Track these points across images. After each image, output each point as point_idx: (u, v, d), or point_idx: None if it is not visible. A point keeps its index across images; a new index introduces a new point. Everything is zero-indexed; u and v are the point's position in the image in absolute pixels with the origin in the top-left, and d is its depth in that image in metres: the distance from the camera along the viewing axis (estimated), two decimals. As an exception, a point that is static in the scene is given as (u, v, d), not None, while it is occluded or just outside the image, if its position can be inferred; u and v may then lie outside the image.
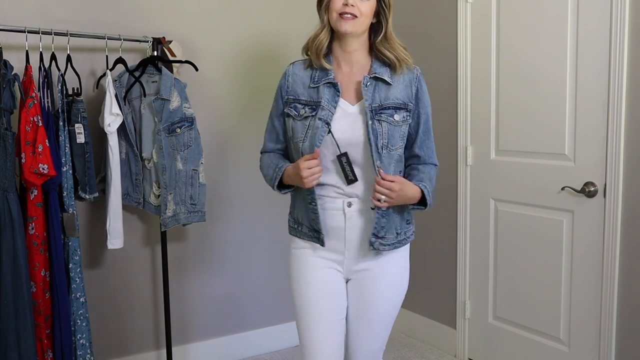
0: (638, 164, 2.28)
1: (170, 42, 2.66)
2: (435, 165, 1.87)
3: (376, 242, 1.76)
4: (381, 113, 1.72)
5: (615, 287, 2.38)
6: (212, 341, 3.08)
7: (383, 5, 1.74)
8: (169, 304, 2.78)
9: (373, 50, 1.78)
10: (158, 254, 2.83)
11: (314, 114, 1.73)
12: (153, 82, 2.58)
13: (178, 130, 2.56)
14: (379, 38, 1.75)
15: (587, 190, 2.44)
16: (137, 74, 2.54)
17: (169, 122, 2.53)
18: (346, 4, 1.67)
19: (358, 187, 1.75)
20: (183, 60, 2.65)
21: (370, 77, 1.74)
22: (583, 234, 2.49)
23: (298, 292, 1.84)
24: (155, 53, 2.60)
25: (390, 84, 1.74)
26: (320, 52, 1.74)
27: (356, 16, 1.68)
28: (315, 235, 1.78)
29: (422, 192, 1.74)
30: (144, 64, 2.56)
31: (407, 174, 1.84)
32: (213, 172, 2.92)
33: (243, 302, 3.13)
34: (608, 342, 2.41)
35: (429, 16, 3.15)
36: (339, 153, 1.71)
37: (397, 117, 1.74)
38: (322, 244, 1.77)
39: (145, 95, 2.55)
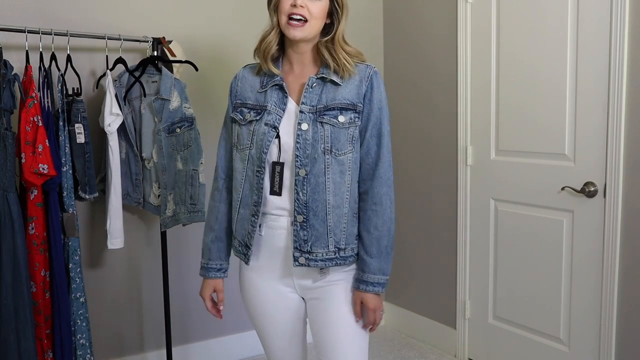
0: (638, 164, 2.28)
1: (170, 42, 2.66)
2: (385, 183, 1.63)
3: (301, 257, 1.60)
4: (324, 114, 1.59)
5: (615, 287, 2.38)
6: (212, 341, 3.08)
7: (336, 5, 1.60)
8: (169, 304, 2.78)
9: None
10: (158, 254, 2.83)
11: (258, 118, 1.63)
12: (153, 82, 2.58)
13: (178, 130, 2.56)
14: (325, 39, 1.62)
15: (587, 190, 2.44)
16: (137, 74, 2.54)
17: (169, 122, 2.53)
18: (294, 5, 1.54)
19: (292, 202, 1.62)
20: (183, 60, 2.65)
21: (317, 78, 1.61)
22: (583, 234, 2.49)
23: (253, 320, 1.79)
24: (155, 53, 2.60)
25: (339, 85, 1.61)
26: (268, 56, 1.62)
27: (306, 20, 1.55)
28: (245, 251, 1.66)
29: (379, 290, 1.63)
30: (144, 64, 2.56)
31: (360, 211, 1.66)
32: (213, 172, 2.92)
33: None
34: (608, 342, 2.41)
35: (429, 16, 3.15)
36: (276, 160, 1.60)
37: (342, 118, 1.59)
38: (247, 262, 1.66)
39: (145, 95, 2.55)
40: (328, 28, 1.63)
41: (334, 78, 1.61)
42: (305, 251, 1.61)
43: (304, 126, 1.58)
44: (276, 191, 1.61)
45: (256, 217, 1.63)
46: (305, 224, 1.60)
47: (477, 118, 2.92)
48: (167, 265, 2.75)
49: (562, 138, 2.53)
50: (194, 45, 2.88)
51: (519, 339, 2.81)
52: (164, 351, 2.88)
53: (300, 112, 1.60)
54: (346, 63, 1.60)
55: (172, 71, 2.60)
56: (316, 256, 1.61)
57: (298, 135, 1.59)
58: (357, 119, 1.61)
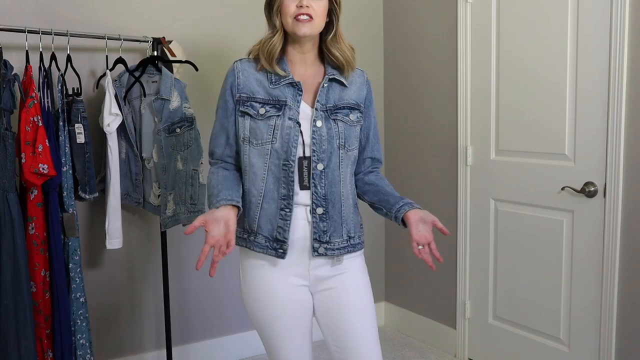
0: (638, 164, 2.28)
1: (170, 42, 2.66)
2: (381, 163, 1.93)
3: (320, 247, 1.68)
4: (337, 112, 1.70)
5: (615, 287, 2.38)
6: (212, 341, 3.08)
7: (334, 3, 1.70)
8: (169, 304, 2.78)
9: (323, 51, 1.74)
10: (158, 254, 2.83)
11: (279, 113, 1.66)
12: (153, 82, 2.58)
13: (178, 130, 2.56)
14: (329, 37, 1.71)
15: (587, 190, 2.44)
16: (137, 74, 2.54)
17: (169, 122, 2.54)
18: (300, 6, 1.61)
19: (309, 195, 1.68)
20: (183, 60, 2.65)
21: (329, 79, 1.71)
22: (583, 234, 2.49)
23: (259, 318, 1.73)
24: (155, 53, 2.60)
25: (345, 86, 1.73)
26: (273, 58, 1.67)
27: (312, 17, 1.63)
28: (276, 246, 1.66)
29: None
30: (144, 64, 2.56)
31: (373, 184, 1.82)
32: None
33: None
34: (608, 342, 2.41)
35: (429, 16, 3.15)
36: (302, 155, 1.66)
37: (352, 117, 1.73)
38: (283, 256, 1.66)
39: (145, 95, 2.55)
40: (326, 26, 1.71)
41: (342, 79, 1.73)
42: (324, 241, 1.69)
43: (319, 123, 1.68)
44: (306, 185, 1.67)
45: (288, 210, 1.66)
46: (324, 216, 1.69)
47: (477, 118, 2.92)
48: (167, 265, 2.76)
49: (562, 138, 2.53)
50: (194, 45, 2.88)
51: (519, 339, 2.81)
52: (164, 351, 2.88)
53: (315, 109, 1.69)
54: (350, 60, 1.73)
55: (172, 71, 2.60)
56: (333, 245, 1.70)
57: (314, 131, 1.67)
58: (361, 119, 1.78)
